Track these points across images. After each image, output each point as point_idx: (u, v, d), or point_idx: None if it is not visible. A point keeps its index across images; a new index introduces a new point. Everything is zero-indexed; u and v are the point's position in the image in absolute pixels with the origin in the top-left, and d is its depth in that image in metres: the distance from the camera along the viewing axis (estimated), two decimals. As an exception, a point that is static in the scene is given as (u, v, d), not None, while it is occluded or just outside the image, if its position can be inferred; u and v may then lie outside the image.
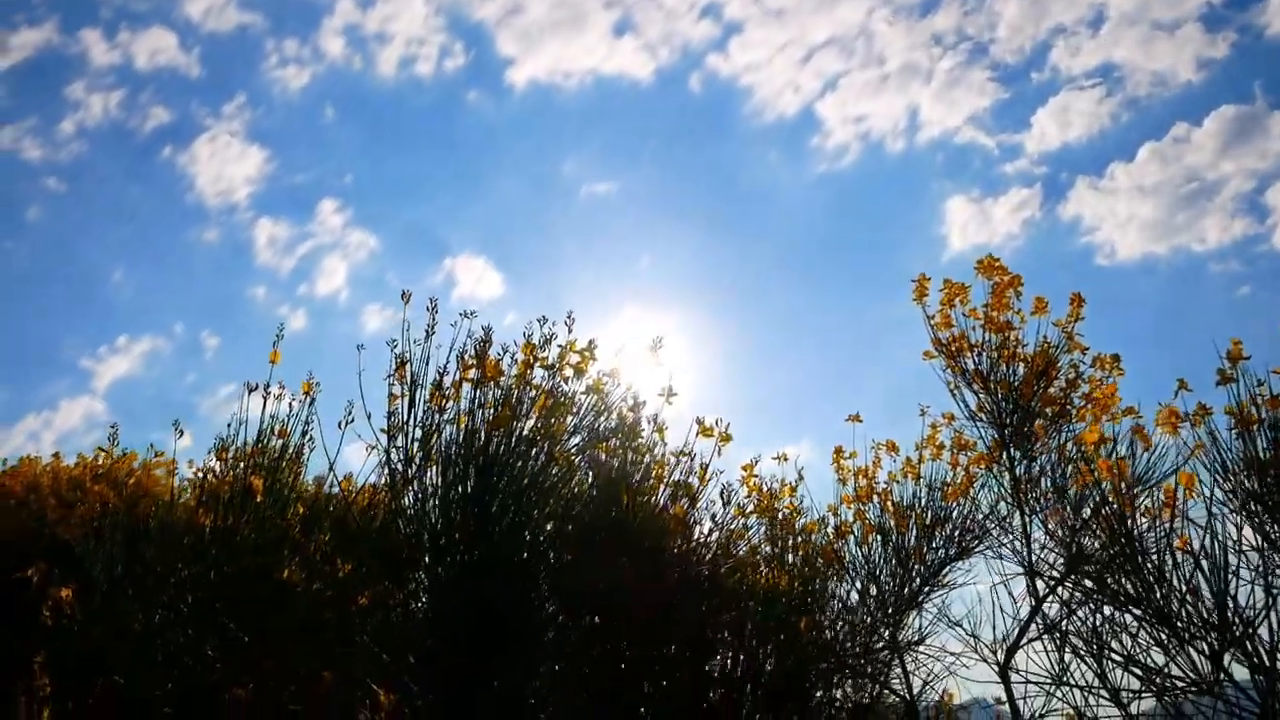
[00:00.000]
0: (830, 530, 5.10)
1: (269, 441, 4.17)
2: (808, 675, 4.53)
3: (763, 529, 4.76)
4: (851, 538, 5.13)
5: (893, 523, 5.09)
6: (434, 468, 4.12)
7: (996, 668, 4.57)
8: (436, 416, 4.10)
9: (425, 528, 4.14)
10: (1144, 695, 3.46)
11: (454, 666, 4.01)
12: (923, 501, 5.08)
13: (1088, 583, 3.86)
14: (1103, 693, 3.63)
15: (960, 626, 4.72)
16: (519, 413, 4.12)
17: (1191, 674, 3.32)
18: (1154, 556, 3.51)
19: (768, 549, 4.76)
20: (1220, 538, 3.33)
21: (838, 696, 4.86)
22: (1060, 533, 4.37)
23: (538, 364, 4.19)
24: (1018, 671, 4.30)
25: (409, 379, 4.10)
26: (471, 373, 4.11)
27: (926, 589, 5.02)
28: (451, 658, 4.02)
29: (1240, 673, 3.31)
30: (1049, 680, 3.91)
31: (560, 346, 4.28)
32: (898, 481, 5.14)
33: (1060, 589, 4.28)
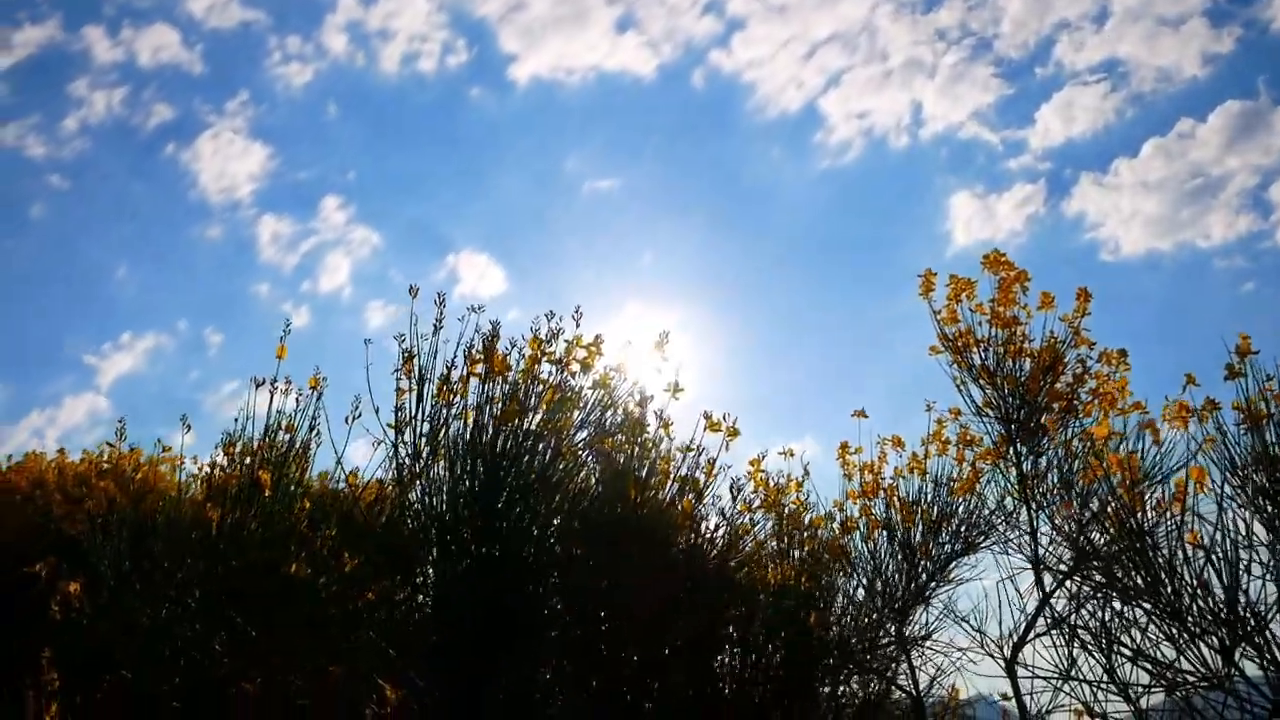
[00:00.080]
0: (836, 526, 5.10)
1: (276, 436, 4.16)
2: (815, 671, 4.53)
3: (769, 524, 4.76)
4: (857, 533, 5.13)
5: (899, 518, 5.08)
6: (441, 462, 4.12)
7: (1003, 663, 4.57)
8: (444, 411, 4.10)
9: (432, 523, 4.14)
10: (1154, 690, 3.45)
11: (460, 662, 4.01)
12: (928, 497, 5.08)
13: (1097, 576, 3.86)
14: (1111, 687, 3.62)
15: (966, 622, 4.72)
16: (526, 407, 4.12)
17: (1202, 669, 3.31)
18: (1164, 550, 3.50)
19: (774, 544, 4.75)
20: (1230, 532, 3.32)
21: (844, 692, 4.86)
22: (1068, 527, 4.37)
23: (545, 359, 4.19)
24: (1025, 666, 4.29)
25: (416, 373, 4.10)
26: (479, 367, 4.11)
27: (933, 584, 5.02)
28: (458, 653, 4.02)
29: (1250, 669, 3.31)
30: (1056, 675, 3.91)
31: (567, 341, 4.28)
32: (903, 477, 5.14)
33: (1068, 583, 4.28)
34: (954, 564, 5.04)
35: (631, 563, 4.15)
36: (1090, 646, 3.70)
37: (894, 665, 5.01)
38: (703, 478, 4.44)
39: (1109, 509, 3.77)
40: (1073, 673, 3.82)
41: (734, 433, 4.42)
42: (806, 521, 4.89)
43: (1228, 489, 3.48)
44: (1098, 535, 4.11)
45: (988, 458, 4.97)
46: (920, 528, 5.06)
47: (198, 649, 3.87)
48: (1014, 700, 4.49)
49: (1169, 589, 3.42)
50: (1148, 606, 3.49)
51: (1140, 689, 3.51)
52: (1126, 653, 3.52)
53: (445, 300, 4.21)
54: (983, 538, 5.01)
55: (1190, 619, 3.35)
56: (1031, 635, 4.49)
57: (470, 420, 4.11)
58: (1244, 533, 3.35)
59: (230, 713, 3.88)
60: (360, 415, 4.13)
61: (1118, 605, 3.64)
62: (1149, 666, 3.46)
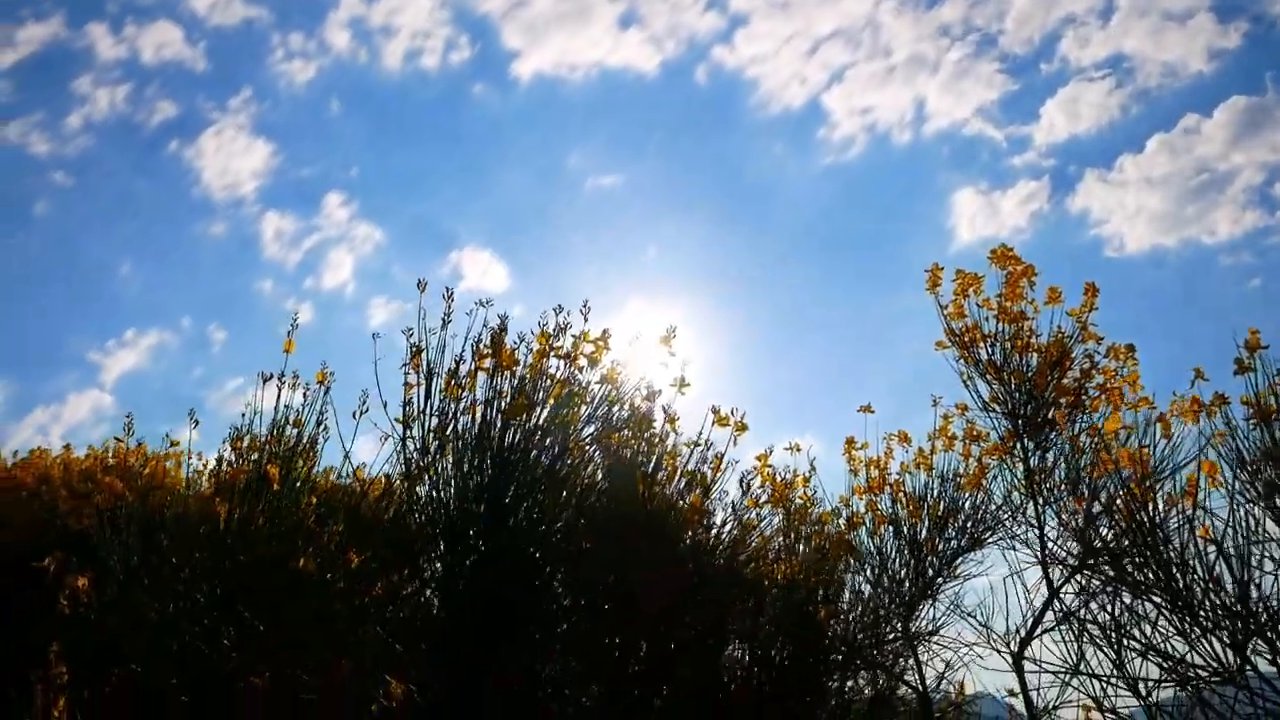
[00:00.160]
0: (842, 521, 5.10)
1: (284, 431, 4.16)
2: (822, 666, 4.53)
3: (777, 519, 4.75)
4: (863, 529, 5.13)
5: (905, 513, 5.08)
6: (449, 457, 4.12)
7: (1010, 658, 4.57)
8: (452, 406, 4.09)
9: (440, 518, 4.14)
10: (1164, 684, 3.45)
11: (466, 656, 4.01)
12: (935, 492, 5.08)
13: (1106, 570, 3.85)
14: (1120, 682, 3.62)
15: (973, 617, 4.72)
16: (534, 402, 4.11)
17: (1214, 663, 3.31)
18: (1174, 543, 3.50)
19: (781, 540, 4.75)
20: (1241, 527, 3.32)
21: (851, 687, 4.86)
22: (1076, 522, 4.36)
23: (553, 353, 4.18)
24: (1033, 661, 4.29)
25: (424, 368, 4.09)
26: (487, 362, 4.10)
27: (939, 580, 5.02)
28: (464, 648, 4.02)
29: (1262, 664, 3.30)
30: (1065, 670, 3.90)
31: (574, 336, 4.28)
32: (910, 472, 5.14)
33: (1076, 577, 4.27)
34: (961, 559, 5.04)
35: (639, 558, 4.15)
36: (1099, 641, 3.70)
37: (901, 661, 5.01)
38: (710, 473, 4.43)
39: (1119, 503, 3.76)
40: (1081, 667, 3.82)
41: (742, 427, 4.42)
42: (814, 517, 4.89)
43: (1238, 484, 3.47)
44: (1106, 529, 4.11)
45: (994, 453, 4.97)
46: (927, 523, 5.06)
47: (205, 643, 3.87)
48: (1021, 695, 4.49)
49: (1180, 583, 3.42)
50: (1158, 600, 3.48)
51: (1151, 683, 3.50)
52: (1136, 647, 3.51)
53: (454, 294, 4.21)
54: (989, 533, 5.01)
55: (1202, 613, 3.34)
56: (1039, 630, 4.49)
57: (478, 415, 4.11)
58: (1255, 528, 3.34)
59: (238, 706, 3.88)
60: (368, 410, 4.13)
61: (1127, 599, 3.63)
62: (1159, 661, 3.46)
